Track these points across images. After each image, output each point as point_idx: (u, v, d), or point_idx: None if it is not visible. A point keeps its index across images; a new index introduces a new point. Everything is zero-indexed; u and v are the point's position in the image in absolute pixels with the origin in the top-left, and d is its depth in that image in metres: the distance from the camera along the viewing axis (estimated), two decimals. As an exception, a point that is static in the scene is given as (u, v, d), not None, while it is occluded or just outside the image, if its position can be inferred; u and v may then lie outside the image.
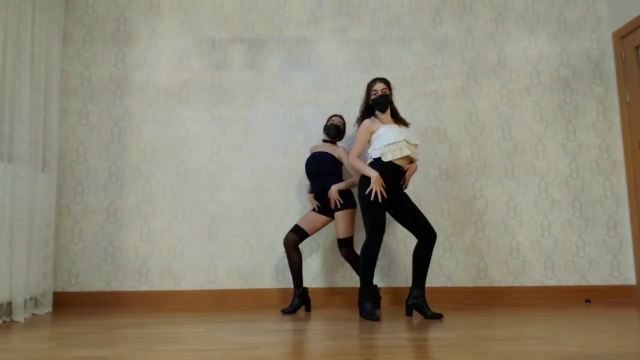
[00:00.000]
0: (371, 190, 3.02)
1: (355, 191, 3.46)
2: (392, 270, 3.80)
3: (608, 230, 3.84)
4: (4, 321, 3.07)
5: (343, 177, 3.56)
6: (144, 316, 3.27)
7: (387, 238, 3.83)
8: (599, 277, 3.79)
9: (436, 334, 2.49)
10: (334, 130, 3.59)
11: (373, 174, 3.04)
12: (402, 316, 3.14)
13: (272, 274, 3.79)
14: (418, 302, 3.08)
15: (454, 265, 3.81)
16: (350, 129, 3.76)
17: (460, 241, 3.84)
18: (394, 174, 3.12)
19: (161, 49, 4.02)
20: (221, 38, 4.04)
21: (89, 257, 3.77)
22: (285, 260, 3.79)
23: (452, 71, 4.02)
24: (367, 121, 3.22)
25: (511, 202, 3.88)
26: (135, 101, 3.95)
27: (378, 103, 3.22)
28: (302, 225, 3.45)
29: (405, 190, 3.25)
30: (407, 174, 3.18)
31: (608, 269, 3.80)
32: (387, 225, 3.84)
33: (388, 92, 3.23)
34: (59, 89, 3.82)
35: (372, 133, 3.20)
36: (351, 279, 3.77)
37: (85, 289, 3.73)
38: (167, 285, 3.77)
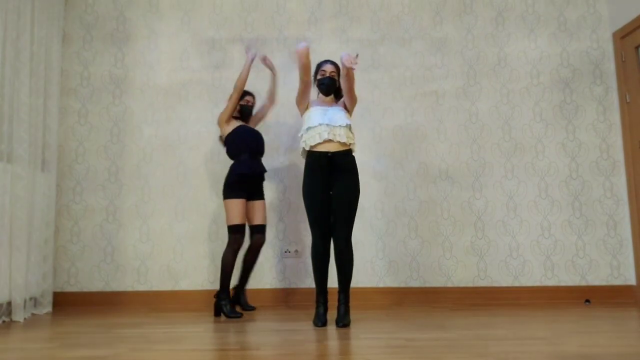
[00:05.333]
0: (306, 181, 2.90)
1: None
2: (392, 270, 3.80)
3: (608, 231, 3.84)
4: (4, 321, 3.06)
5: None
6: (144, 316, 3.26)
7: (387, 238, 3.83)
8: (599, 277, 3.79)
9: (436, 334, 2.49)
10: (247, 112, 3.53)
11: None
12: (402, 316, 3.14)
13: (272, 274, 3.79)
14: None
15: (454, 265, 3.81)
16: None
17: (460, 241, 3.84)
18: (323, 163, 2.87)
19: (161, 48, 4.01)
20: (221, 38, 4.03)
21: (88, 257, 3.76)
22: (286, 260, 3.79)
23: (452, 71, 4.02)
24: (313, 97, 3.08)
25: (511, 202, 3.87)
26: (134, 101, 3.95)
27: (323, 84, 2.99)
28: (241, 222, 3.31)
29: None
30: (347, 60, 2.74)
31: (608, 269, 3.80)
32: (386, 225, 3.85)
33: (336, 77, 3.03)
34: (59, 89, 3.81)
35: (307, 108, 3.02)
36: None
37: (85, 289, 3.73)
38: (167, 285, 3.76)
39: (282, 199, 3.86)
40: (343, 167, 2.89)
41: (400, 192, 3.89)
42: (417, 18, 4.08)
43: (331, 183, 2.90)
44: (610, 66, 4.00)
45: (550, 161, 3.92)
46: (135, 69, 3.98)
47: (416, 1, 4.10)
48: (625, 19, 3.85)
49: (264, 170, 3.44)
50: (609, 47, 4.02)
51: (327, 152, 2.88)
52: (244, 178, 3.30)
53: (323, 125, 2.88)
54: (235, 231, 3.25)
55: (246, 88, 3.57)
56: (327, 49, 4.03)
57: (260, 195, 3.44)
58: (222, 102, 3.95)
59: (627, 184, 3.86)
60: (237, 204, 3.26)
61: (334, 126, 2.88)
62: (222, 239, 3.79)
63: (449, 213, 3.86)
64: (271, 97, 3.67)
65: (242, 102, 3.50)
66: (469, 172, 3.91)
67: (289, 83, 3.98)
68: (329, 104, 3.05)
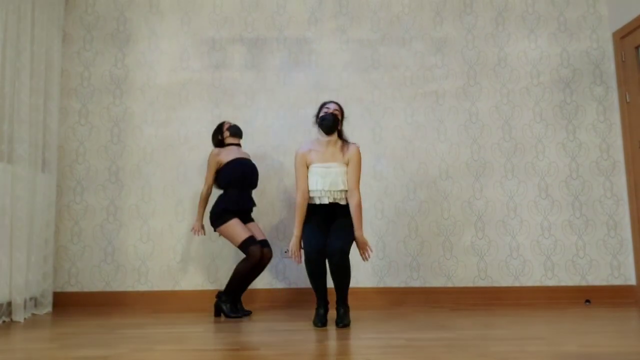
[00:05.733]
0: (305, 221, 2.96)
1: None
2: (392, 270, 3.80)
3: (608, 231, 3.84)
4: (4, 321, 3.06)
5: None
6: (144, 316, 3.27)
7: (387, 238, 3.83)
8: (599, 277, 3.79)
9: (436, 334, 2.49)
10: (237, 128, 3.48)
11: (293, 237, 2.94)
12: (402, 316, 3.14)
13: (272, 274, 3.79)
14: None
15: (454, 265, 3.81)
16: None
17: (460, 241, 3.84)
18: (323, 212, 2.98)
19: (161, 49, 4.02)
20: (221, 38, 4.04)
21: (89, 257, 3.77)
22: (286, 260, 3.79)
23: (452, 71, 4.02)
24: (298, 155, 3.00)
25: (511, 202, 3.88)
26: (135, 101, 3.95)
27: (325, 119, 2.96)
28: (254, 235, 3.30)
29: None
30: (361, 250, 2.94)
31: (608, 269, 3.80)
32: (386, 225, 3.85)
33: (339, 117, 3.03)
34: (59, 89, 3.81)
35: (308, 165, 3.00)
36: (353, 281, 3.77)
37: (85, 289, 3.73)
38: (167, 285, 3.76)
39: (282, 199, 3.86)
40: (341, 213, 2.99)
41: (400, 192, 3.89)
42: (417, 18, 4.08)
43: (329, 224, 2.98)
44: (610, 66, 4.00)
45: (551, 161, 3.92)
46: (136, 69, 3.98)
47: (416, 1, 4.10)
48: (625, 19, 3.85)
49: (252, 206, 3.41)
50: (609, 47, 4.02)
51: (326, 204, 2.97)
52: (229, 212, 3.28)
53: (324, 190, 2.94)
54: (248, 245, 3.17)
55: (240, 92, 3.55)
56: (327, 49, 4.03)
57: (249, 220, 3.41)
58: (222, 102, 3.95)
59: (627, 184, 3.86)
60: (234, 224, 3.23)
61: (334, 191, 2.95)
62: (222, 239, 3.79)
63: (449, 213, 3.87)
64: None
65: (225, 127, 3.48)
66: (469, 172, 3.91)
67: (289, 83, 3.99)
68: (330, 153, 2.99)
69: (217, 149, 3.41)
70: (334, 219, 2.98)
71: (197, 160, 3.89)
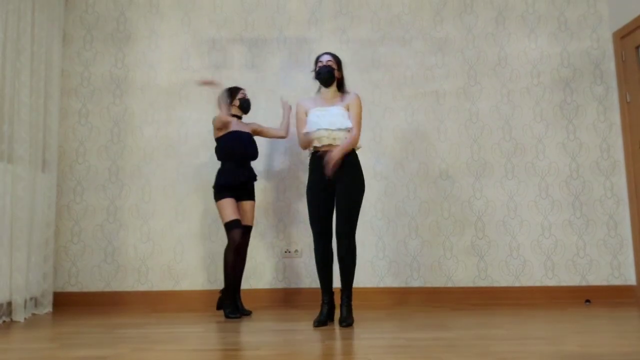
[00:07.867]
0: (309, 180, 2.97)
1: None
2: (392, 270, 3.80)
3: (608, 231, 3.84)
4: (4, 321, 3.06)
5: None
6: (144, 316, 3.27)
7: (386, 238, 3.83)
8: (599, 277, 3.79)
9: (436, 334, 2.49)
10: (248, 104, 3.50)
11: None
12: (402, 316, 3.14)
13: (272, 274, 3.79)
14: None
15: (454, 265, 3.81)
16: None
17: (460, 241, 3.84)
18: (322, 164, 2.88)
19: (161, 48, 4.02)
20: (221, 38, 4.04)
21: (89, 257, 3.77)
22: (286, 260, 3.79)
23: (452, 71, 4.02)
24: (298, 104, 3.05)
25: (511, 202, 3.87)
26: (135, 101, 3.95)
27: (320, 73, 2.97)
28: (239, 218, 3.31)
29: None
30: (326, 160, 2.83)
31: (608, 269, 3.80)
32: (386, 225, 3.85)
33: (334, 67, 2.99)
34: (59, 89, 3.82)
35: (307, 112, 2.99)
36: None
37: (85, 289, 3.73)
38: (167, 285, 3.76)
39: (282, 199, 3.86)
40: (344, 164, 2.89)
41: (400, 192, 3.89)
42: (418, 18, 4.08)
43: (333, 181, 2.90)
44: (610, 66, 4.00)
45: (551, 161, 3.92)
46: (136, 69, 3.98)
47: (416, 1, 4.10)
48: (625, 19, 3.85)
49: (251, 178, 3.40)
50: (609, 47, 4.02)
51: (328, 152, 2.89)
52: (225, 187, 3.30)
53: (322, 129, 2.88)
54: (231, 228, 3.25)
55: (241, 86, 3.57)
56: (327, 49, 4.01)
57: (249, 197, 3.41)
58: (223, 102, 3.95)
59: (628, 184, 3.85)
60: (227, 203, 3.27)
61: (333, 130, 2.88)
62: (223, 239, 3.78)
63: (449, 213, 3.86)
64: (286, 129, 3.55)
65: (239, 96, 3.47)
66: (469, 172, 3.91)
67: (289, 83, 3.99)
68: (330, 102, 3.00)
69: (219, 121, 3.33)
70: (338, 174, 2.86)
71: (198, 160, 3.89)
